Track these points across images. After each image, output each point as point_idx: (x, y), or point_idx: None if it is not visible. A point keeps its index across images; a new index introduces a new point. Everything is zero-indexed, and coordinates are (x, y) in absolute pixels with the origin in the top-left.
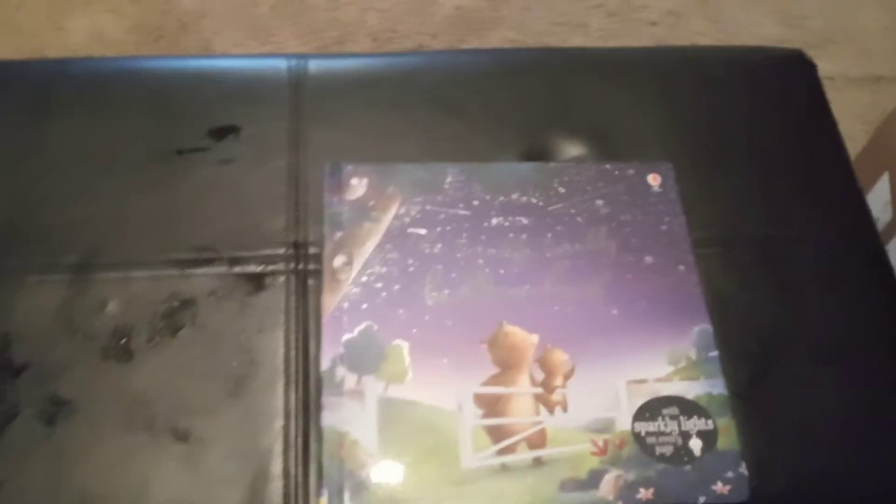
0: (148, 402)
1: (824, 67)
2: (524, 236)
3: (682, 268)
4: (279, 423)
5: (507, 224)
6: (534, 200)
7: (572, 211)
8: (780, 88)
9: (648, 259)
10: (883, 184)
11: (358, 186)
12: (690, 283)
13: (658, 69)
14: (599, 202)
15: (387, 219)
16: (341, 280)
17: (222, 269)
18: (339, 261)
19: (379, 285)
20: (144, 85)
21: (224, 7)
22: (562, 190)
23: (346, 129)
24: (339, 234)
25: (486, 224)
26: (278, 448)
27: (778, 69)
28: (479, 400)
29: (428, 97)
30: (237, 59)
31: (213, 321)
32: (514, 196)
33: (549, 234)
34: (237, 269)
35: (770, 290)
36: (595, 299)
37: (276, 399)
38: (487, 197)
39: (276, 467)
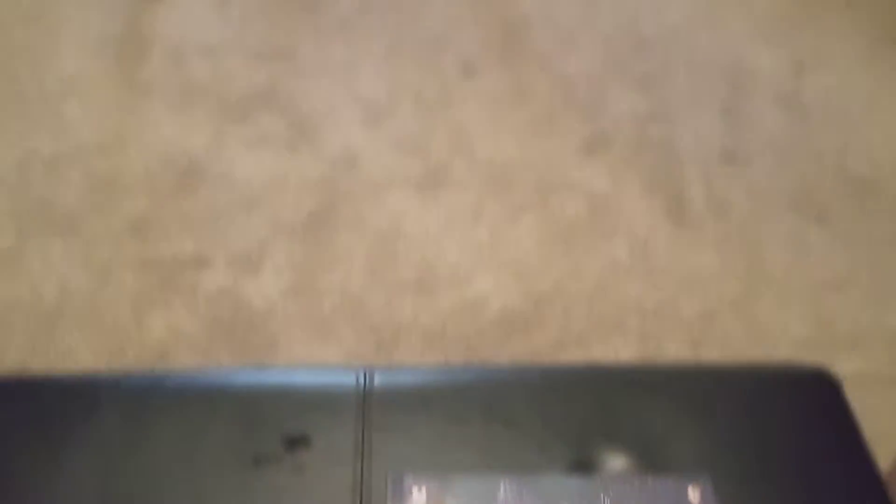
0: None
1: (854, 367)
2: None
3: None
4: None
5: None
6: None
7: None
8: (807, 405)
9: None
10: None
11: (419, 497)
12: None
13: (694, 386)
14: None
15: None
16: None
17: None
18: None
19: None
20: (227, 395)
21: (290, 307)
22: (608, 502)
23: (409, 440)
24: None
25: None
26: None
27: (804, 386)
28: None
29: (482, 409)
30: (310, 371)
31: None
32: None
33: None
34: None
35: None
36: None
37: None
38: None
39: None
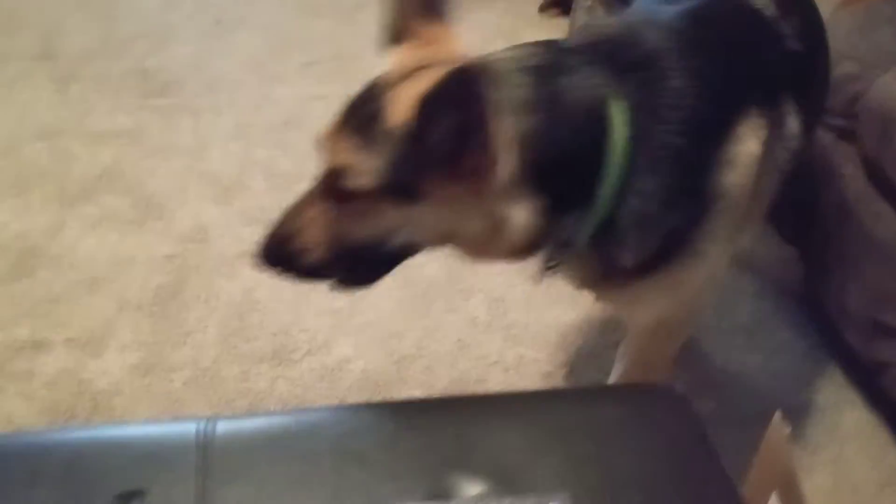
0: None
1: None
2: None
3: None
4: None
5: None
6: None
7: None
8: (659, 420)
9: None
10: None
11: None
12: None
13: (549, 409)
14: None
15: None
16: None
17: None
18: None
19: None
20: (53, 457)
21: (137, 385)
22: None
23: (255, 487)
24: None
25: None
26: None
27: (655, 402)
28: None
29: (333, 449)
30: (145, 424)
31: None
32: None
33: None
34: None
35: None
36: None
37: None
38: None
39: None
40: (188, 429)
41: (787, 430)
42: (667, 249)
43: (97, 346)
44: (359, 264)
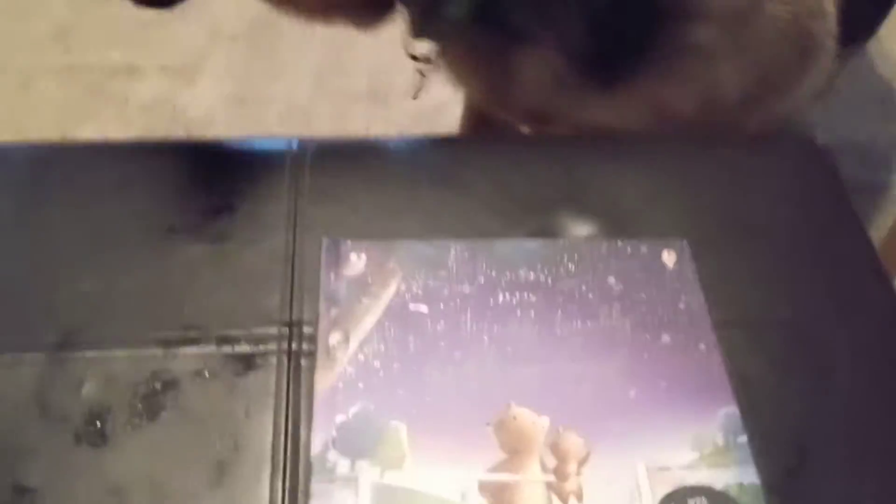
0: (121, 492)
1: None
2: (532, 314)
3: (702, 346)
4: None
5: (514, 301)
6: (542, 277)
7: (583, 288)
8: (797, 171)
9: (666, 338)
10: None
11: (357, 263)
12: (713, 362)
13: (669, 153)
14: (612, 279)
15: (386, 296)
16: (337, 358)
17: (210, 348)
18: (334, 338)
19: (377, 364)
20: (142, 165)
21: (230, 114)
22: (572, 267)
23: (347, 207)
24: (335, 312)
25: (491, 301)
26: None
27: (794, 153)
28: (485, 489)
29: (433, 178)
30: (240, 142)
31: (197, 404)
32: (522, 273)
33: (559, 312)
34: (226, 349)
35: (799, 373)
36: (610, 379)
37: (262, 488)
38: (493, 274)
39: None
40: (281, 147)
41: None
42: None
43: (191, 74)
44: None
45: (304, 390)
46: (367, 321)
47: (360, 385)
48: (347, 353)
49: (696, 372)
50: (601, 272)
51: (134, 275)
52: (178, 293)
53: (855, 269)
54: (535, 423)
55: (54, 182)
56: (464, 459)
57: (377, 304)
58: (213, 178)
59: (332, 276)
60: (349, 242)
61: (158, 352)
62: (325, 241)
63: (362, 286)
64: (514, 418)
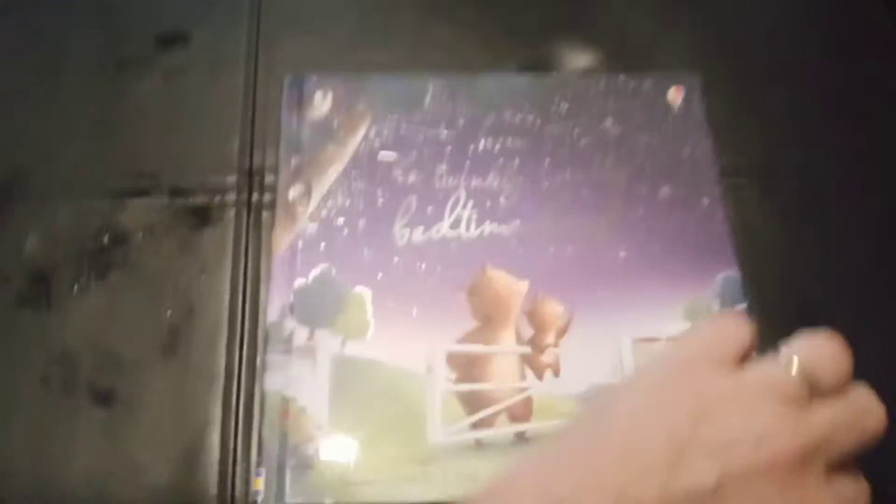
0: (67, 358)
1: None
2: (516, 162)
3: (706, 201)
4: (219, 385)
5: (496, 148)
6: (530, 119)
7: (576, 132)
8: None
9: (665, 191)
10: None
11: (322, 103)
12: (716, 219)
13: None
14: (609, 122)
15: (354, 141)
16: (297, 214)
17: (162, 199)
18: (295, 191)
19: (340, 221)
20: None
21: None
22: (564, 106)
23: (315, 36)
24: (296, 160)
25: (471, 148)
26: (216, 415)
27: None
28: (453, 361)
29: (413, 3)
30: None
31: (148, 262)
32: (507, 114)
33: (547, 160)
34: (179, 201)
35: (810, 231)
36: (599, 239)
37: (218, 356)
38: (475, 115)
39: (213, 438)
40: None
41: None
42: None
43: None
44: None
45: (265, 247)
46: (332, 171)
47: (322, 245)
48: (309, 208)
49: (695, 230)
50: (597, 113)
51: (79, 115)
52: (128, 136)
53: (888, 120)
54: (512, 287)
55: None
56: (433, 329)
57: (343, 151)
58: (165, 3)
59: (295, 119)
60: (314, 79)
61: (106, 203)
62: (286, 79)
63: (327, 131)
64: (490, 282)
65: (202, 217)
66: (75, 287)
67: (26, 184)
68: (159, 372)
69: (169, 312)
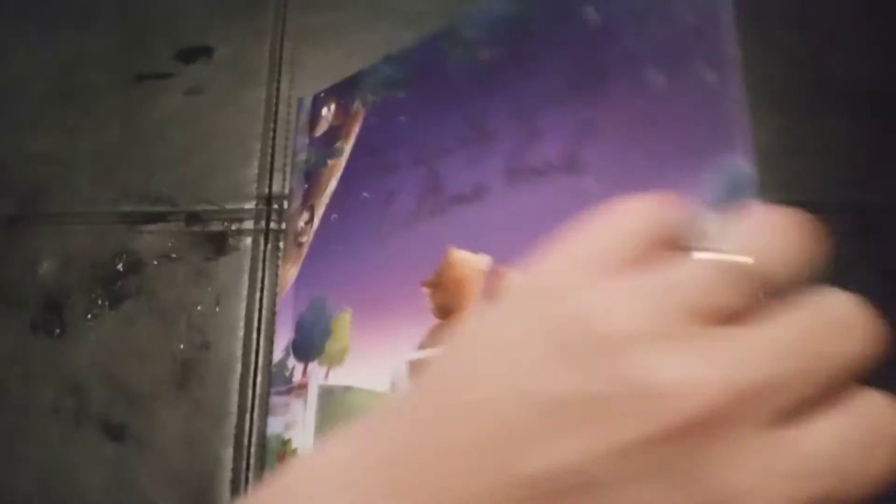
0: (79, 388)
1: None
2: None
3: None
4: (231, 423)
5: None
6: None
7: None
8: None
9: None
10: None
11: (326, 117)
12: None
13: None
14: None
15: (349, 147)
16: (302, 243)
17: (179, 225)
18: (302, 220)
19: (335, 240)
20: (109, 5)
21: None
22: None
23: (341, 52)
24: (305, 187)
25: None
26: (228, 455)
27: None
28: (416, 370)
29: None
30: None
31: (162, 291)
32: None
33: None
34: (196, 228)
35: None
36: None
37: (230, 392)
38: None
39: (224, 476)
40: None
41: None
42: None
43: None
44: None
45: (280, 279)
46: (330, 188)
47: (318, 270)
48: (310, 235)
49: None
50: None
51: (97, 134)
52: (146, 157)
53: None
54: (471, 267)
55: (2, 19)
56: (397, 339)
57: (341, 162)
58: (189, 15)
59: (307, 142)
60: (322, 95)
61: (122, 228)
62: (299, 101)
63: (328, 144)
64: (451, 268)
65: (218, 245)
66: (89, 315)
67: (41, 207)
68: (171, 407)
69: (182, 346)
